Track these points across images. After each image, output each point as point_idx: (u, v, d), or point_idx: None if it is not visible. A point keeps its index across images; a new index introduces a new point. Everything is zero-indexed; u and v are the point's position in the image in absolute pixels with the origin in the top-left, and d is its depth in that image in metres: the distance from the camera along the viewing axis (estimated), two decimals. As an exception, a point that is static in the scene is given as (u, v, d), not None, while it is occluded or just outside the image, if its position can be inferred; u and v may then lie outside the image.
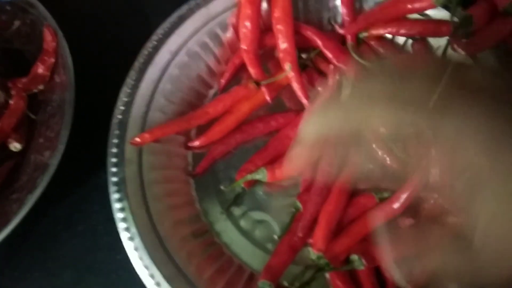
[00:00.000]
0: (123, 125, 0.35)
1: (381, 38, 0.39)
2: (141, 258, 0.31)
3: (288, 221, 0.34)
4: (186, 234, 0.34)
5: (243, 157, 0.36)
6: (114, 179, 0.34)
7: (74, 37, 0.39)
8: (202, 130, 0.38)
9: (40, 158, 0.36)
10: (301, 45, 0.38)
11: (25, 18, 0.41)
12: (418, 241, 0.28)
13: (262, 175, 0.35)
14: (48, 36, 0.39)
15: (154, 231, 0.33)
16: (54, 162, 0.34)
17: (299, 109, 0.38)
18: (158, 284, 0.31)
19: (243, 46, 0.38)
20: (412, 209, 0.31)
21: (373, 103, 0.25)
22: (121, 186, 0.33)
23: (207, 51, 0.40)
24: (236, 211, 0.36)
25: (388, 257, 0.27)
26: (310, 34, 0.39)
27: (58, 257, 0.37)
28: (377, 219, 0.32)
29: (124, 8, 0.47)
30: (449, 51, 0.37)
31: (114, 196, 0.33)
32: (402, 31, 0.38)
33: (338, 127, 0.26)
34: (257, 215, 0.36)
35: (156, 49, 0.38)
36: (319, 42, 0.38)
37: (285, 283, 0.33)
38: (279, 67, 0.38)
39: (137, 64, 0.37)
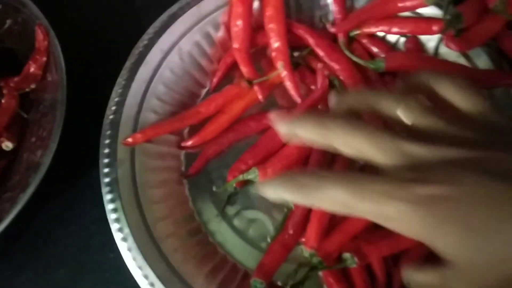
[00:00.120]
0: (115, 125, 0.35)
1: (372, 36, 0.39)
2: (134, 259, 0.31)
3: (281, 220, 0.34)
4: (180, 234, 0.34)
5: (236, 156, 0.36)
6: (107, 179, 0.34)
7: (66, 36, 0.39)
8: (194, 129, 0.38)
9: (32, 157, 0.36)
10: (293, 44, 0.38)
11: (17, 17, 0.41)
12: None
13: (253, 175, 0.35)
14: (40, 35, 0.39)
15: (147, 232, 0.33)
16: (46, 161, 0.34)
17: (292, 107, 0.38)
18: (152, 284, 0.31)
19: (235, 45, 0.38)
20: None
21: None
22: (113, 186, 0.33)
23: (199, 50, 0.40)
24: (230, 210, 0.36)
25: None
26: (302, 32, 0.39)
27: (51, 256, 0.37)
28: None
29: (116, 7, 0.47)
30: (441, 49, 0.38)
31: (107, 196, 0.33)
32: (394, 29, 0.38)
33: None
34: (251, 214, 0.36)
35: (148, 48, 0.37)
36: (311, 40, 0.38)
37: (279, 283, 0.33)
38: (271, 66, 0.38)
39: (128, 63, 0.37)
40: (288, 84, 0.37)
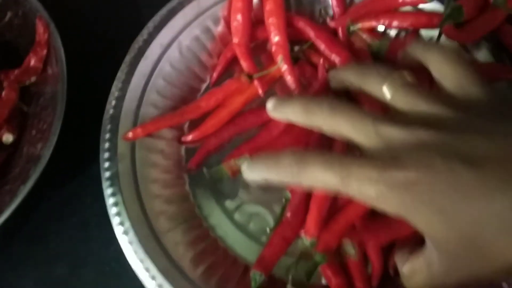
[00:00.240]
0: (115, 119, 0.35)
1: (373, 31, 0.39)
2: (135, 252, 0.31)
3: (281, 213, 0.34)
4: (180, 228, 0.34)
5: (236, 151, 0.36)
6: (107, 174, 0.34)
7: (66, 30, 0.39)
8: (195, 124, 0.38)
9: (33, 150, 0.36)
10: (293, 38, 0.38)
11: (17, 10, 0.41)
12: None
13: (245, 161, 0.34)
14: (40, 28, 0.39)
15: (148, 225, 0.33)
16: (46, 154, 0.34)
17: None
18: (153, 277, 0.31)
19: (235, 39, 0.38)
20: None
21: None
22: (114, 180, 0.33)
23: (199, 45, 0.40)
24: (230, 204, 0.36)
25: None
26: (302, 25, 0.39)
27: (51, 249, 0.38)
28: None
29: (116, 1, 0.46)
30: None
31: (108, 191, 0.33)
32: (395, 23, 0.38)
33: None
34: (251, 208, 0.36)
35: (147, 43, 0.37)
36: (311, 33, 0.38)
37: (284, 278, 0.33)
38: (271, 60, 0.38)
39: (128, 58, 0.37)
40: (288, 78, 0.37)
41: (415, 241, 0.29)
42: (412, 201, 0.21)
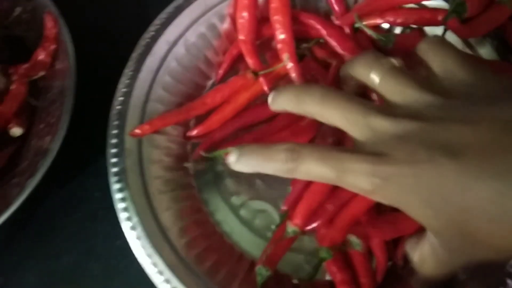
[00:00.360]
0: (122, 115, 0.35)
1: (378, 28, 0.39)
2: (143, 247, 0.32)
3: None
4: (187, 223, 0.35)
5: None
6: (115, 169, 0.34)
7: (74, 25, 0.40)
8: (200, 121, 0.38)
9: (41, 143, 0.37)
10: (299, 35, 0.38)
11: (26, 5, 0.41)
12: None
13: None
14: (49, 23, 0.39)
15: (155, 221, 0.33)
16: (54, 147, 0.35)
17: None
18: (160, 272, 0.31)
19: (241, 36, 0.38)
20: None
21: None
22: (121, 176, 0.34)
23: (205, 42, 0.40)
24: (236, 200, 0.36)
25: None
26: (313, 22, 0.39)
27: (57, 242, 0.38)
28: None
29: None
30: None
31: (115, 186, 0.33)
32: (399, 20, 0.38)
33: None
34: (257, 204, 0.36)
35: (154, 39, 0.38)
36: (322, 30, 0.38)
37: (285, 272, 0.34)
38: (276, 58, 0.38)
39: (135, 54, 0.37)
40: (294, 76, 0.37)
41: (422, 229, 0.29)
42: (403, 193, 0.22)
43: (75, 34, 0.39)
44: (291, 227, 0.32)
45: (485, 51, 0.37)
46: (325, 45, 0.39)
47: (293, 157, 0.24)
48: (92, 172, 0.40)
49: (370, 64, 0.27)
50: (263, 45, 0.40)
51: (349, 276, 0.32)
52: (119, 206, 0.33)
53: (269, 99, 0.29)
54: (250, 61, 0.38)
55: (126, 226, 0.32)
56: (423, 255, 0.26)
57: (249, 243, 0.35)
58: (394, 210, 0.24)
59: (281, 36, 0.37)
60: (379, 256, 0.33)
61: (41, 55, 0.39)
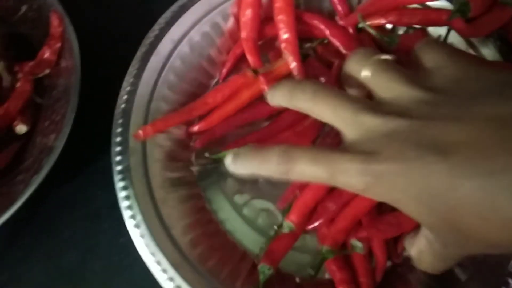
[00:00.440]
0: (126, 114, 0.35)
1: (381, 28, 0.39)
2: (147, 245, 0.32)
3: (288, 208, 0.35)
4: (191, 222, 0.35)
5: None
6: (119, 167, 0.34)
7: (79, 24, 0.40)
8: (203, 118, 0.38)
9: (46, 140, 0.37)
10: (302, 35, 0.38)
11: (32, 4, 0.42)
12: None
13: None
14: (55, 21, 0.39)
15: (159, 219, 0.33)
16: (59, 145, 0.35)
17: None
18: (164, 270, 0.31)
19: (243, 34, 0.38)
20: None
21: None
22: (126, 174, 0.34)
23: (208, 41, 0.40)
24: (239, 199, 0.37)
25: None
26: (317, 22, 0.39)
27: (61, 239, 0.38)
28: None
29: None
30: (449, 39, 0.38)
31: (119, 184, 0.34)
32: (403, 20, 0.38)
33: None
34: (260, 203, 0.37)
35: (158, 38, 0.38)
36: (327, 31, 0.38)
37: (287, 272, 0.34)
38: (280, 58, 0.38)
39: (139, 53, 0.37)
40: (297, 76, 0.37)
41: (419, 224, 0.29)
42: (395, 191, 0.22)
43: (80, 33, 0.39)
44: (287, 223, 0.33)
45: (488, 52, 0.37)
46: (328, 45, 0.39)
47: (285, 160, 0.24)
48: (95, 170, 0.40)
49: (361, 60, 0.27)
50: (266, 45, 0.40)
51: (348, 275, 0.33)
52: (123, 204, 0.33)
53: (268, 95, 0.30)
54: (250, 58, 0.38)
55: (130, 224, 0.33)
56: (420, 249, 0.26)
57: (252, 241, 0.35)
58: (394, 209, 0.24)
59: (284, 35, 0.37)
60: (379, 256, 0.33)
61: (46, 53, 0.40)
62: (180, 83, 0.39)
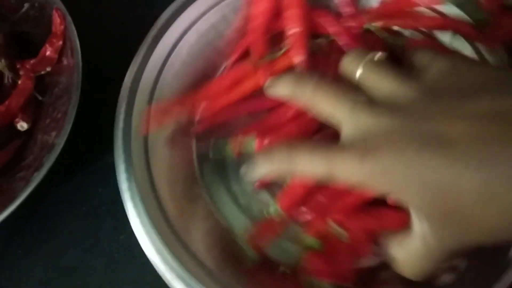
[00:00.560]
0: (130, 103, 0.35)
1: (388, 30, 0.39)
2: (149, 239, 0.31)
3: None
4: (192, 213, 0.35)
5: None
6: (121, 159, 0.33)
7: (81, 21, 0.40)
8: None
9: (47, 138, 0.37)
10: (310, 31, 0.38)
11: (34, 2, 0.41)
12: None
13: (250, 144, 0.34)
14: (57, 19, 0.39)
15: (160, 210, 0.33)
16: (60, 142, 0.35)
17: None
18: (166, 261, 0.31)
19: (251, 24, 0.37)
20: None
21: None
22: (128, 165, 0.33)
23: (216, 33, 0.40)
24: (240, 192, 0.36)
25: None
26: (323, 21, 0.38)
27: (61, 237, 0.38)
28: None
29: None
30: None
31: (122, 176, 0.33)
32: (410, 23, 0.38)
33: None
34: (261, 196, 0.36)
35: (165, 28, 0.37)
36: (332, 30, 0.38)
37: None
38: (285, 51, 0.37)
39: (145, 43, 0.37)
40: (301, 69, 0.36)
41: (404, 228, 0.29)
42: (392, 183, 0.23)
43: (81, 30, 0.39)
44: (273, 206, 0.33)
45: (497, 61, 0.36)
46: (336, 43, 0.39)
47: (287, 156, 0.26)
48: (95, 167, 0.40)
49: (355, 60, 0.28)
50: (275, 40, 0.39)
51: (329, 266, 0.32)
52: (125, 195, 0.32)
53: (266, 84, 0.31)
54: (253, 49, 0.37)
55: (131, 215, 0.32)
56: (409, 250, 0.26)
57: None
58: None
59: (294, 29, 0.37)
60: (361, 247, 0.32)
61: (48, 51, 0.40)
62: (185, 73, 0.38)
